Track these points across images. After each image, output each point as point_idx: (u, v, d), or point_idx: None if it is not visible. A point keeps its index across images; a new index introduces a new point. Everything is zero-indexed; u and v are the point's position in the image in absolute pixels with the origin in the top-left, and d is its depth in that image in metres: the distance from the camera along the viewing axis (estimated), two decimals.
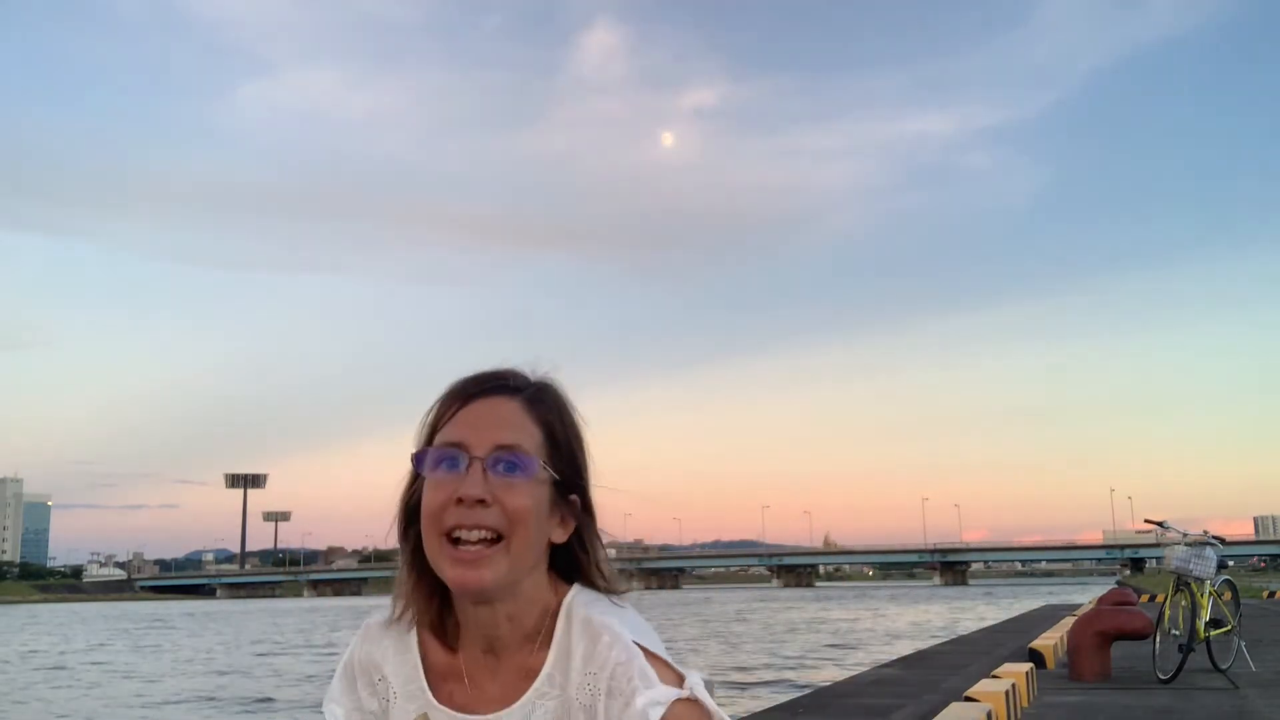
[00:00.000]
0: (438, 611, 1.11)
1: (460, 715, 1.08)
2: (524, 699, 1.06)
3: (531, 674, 1.07)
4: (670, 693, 1.00)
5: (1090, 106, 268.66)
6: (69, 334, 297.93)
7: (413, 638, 1.12)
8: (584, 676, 1.04)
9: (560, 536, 1.09)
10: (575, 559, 1.11)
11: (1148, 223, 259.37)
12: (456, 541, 1.02)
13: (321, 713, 1.17)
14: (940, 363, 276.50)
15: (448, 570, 1.03)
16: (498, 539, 1.03)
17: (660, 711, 0.99)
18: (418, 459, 1.07)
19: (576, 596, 1.09)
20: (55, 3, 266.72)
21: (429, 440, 1.08)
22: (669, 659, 1.05)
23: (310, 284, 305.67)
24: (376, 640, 1.14)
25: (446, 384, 1.10)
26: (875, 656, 20.08)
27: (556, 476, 1.07)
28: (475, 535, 1.02)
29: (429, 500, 1.04)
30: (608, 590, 1.11)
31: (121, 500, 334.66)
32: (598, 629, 1.05)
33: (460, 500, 1.02)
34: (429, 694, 1.10)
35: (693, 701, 1.01)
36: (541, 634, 1.08)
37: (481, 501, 1.02)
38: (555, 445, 1.08)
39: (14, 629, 52.24)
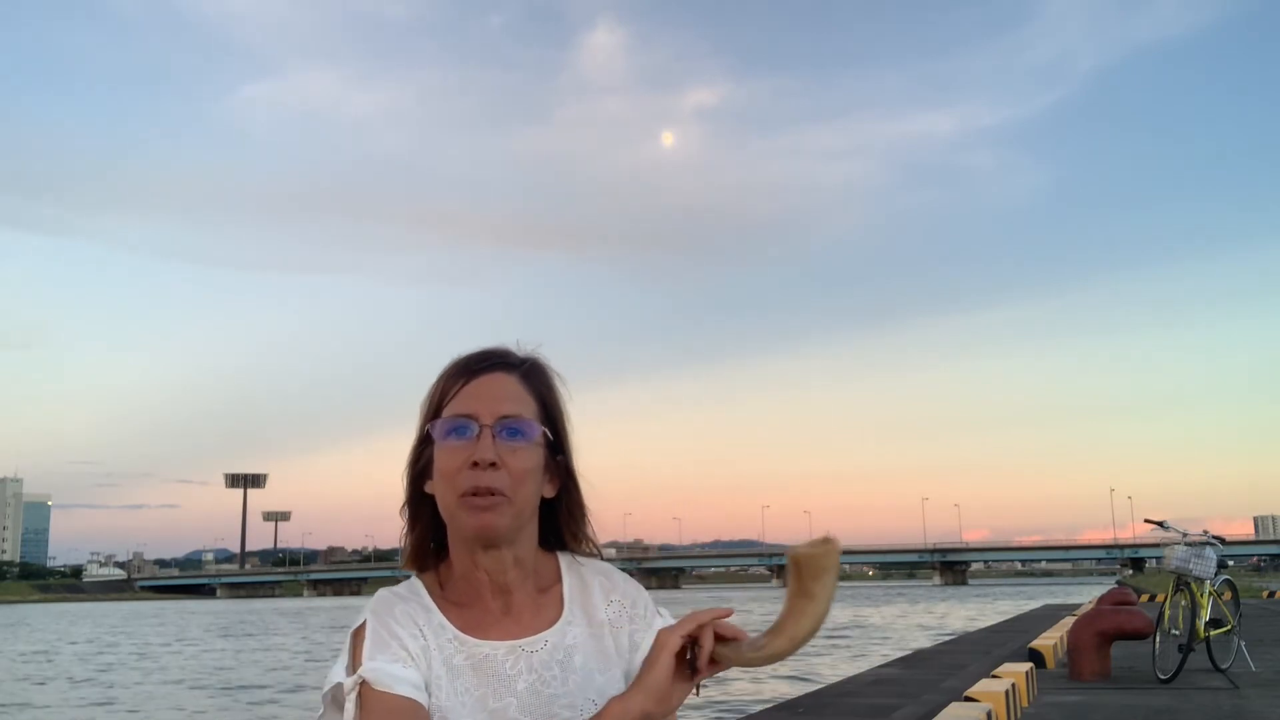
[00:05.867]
0: (434, 566, 1.27)
1: (503, 642, 1.21)
2: (556, 625, 1.23)
3: (546, 609, 1.24)
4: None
5: (1092, 106, 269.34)
6: (69, 334, 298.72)
7: (426, 597, 1.23)
8: (609, 604, 1.26)
9: (550, 492, 1.26)
10: (557, 519, 1.29)
11: (1148, 222, 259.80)
12: (473, 498, 1.18)
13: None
14: (940, 363, 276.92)
15: (465, 519, 1.18)
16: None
17: None
18: (431, 428, 1.22)
19: (568, 556, 1.31)
20: (55, 2, 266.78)
21: (436, 412, 1.23)
22: None
23: (310, 284, 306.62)
24: (393, 606, 1.21)
25: (447, 361, 1.27)
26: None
27: (551, 438, 1.24)
28: (490, 500, 1.17)
29: (445, 463, 1.19)
30: (588, 553, 1.32)
31: (121, 500, 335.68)
32: (606, 569, 1.30)
33: (475, 464, 1.17)
34: (464, 636, 1.21)
35: None
36: (546, 578, 1.27)
37: (493, 464, 1.17)
38: (547, 413, 1.26)
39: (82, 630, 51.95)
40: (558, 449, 1.26)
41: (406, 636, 1.18)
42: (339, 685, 1.15)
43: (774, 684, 15.74)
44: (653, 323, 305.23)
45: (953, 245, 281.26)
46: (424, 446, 1.25)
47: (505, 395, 1.22)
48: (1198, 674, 9.14)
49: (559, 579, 1.28)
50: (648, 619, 1.26)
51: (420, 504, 1.26)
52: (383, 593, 1.24)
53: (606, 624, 1.25)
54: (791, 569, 1.08)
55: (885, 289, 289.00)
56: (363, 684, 1.13)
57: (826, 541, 1.07)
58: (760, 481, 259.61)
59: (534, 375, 1.27)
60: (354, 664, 1.16)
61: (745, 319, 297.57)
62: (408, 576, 1.28)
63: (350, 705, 1.12)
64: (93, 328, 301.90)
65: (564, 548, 1.31)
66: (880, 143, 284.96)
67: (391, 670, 1.14)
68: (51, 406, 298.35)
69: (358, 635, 1.18)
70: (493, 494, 1.17)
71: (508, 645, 1.20)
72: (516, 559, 1.22)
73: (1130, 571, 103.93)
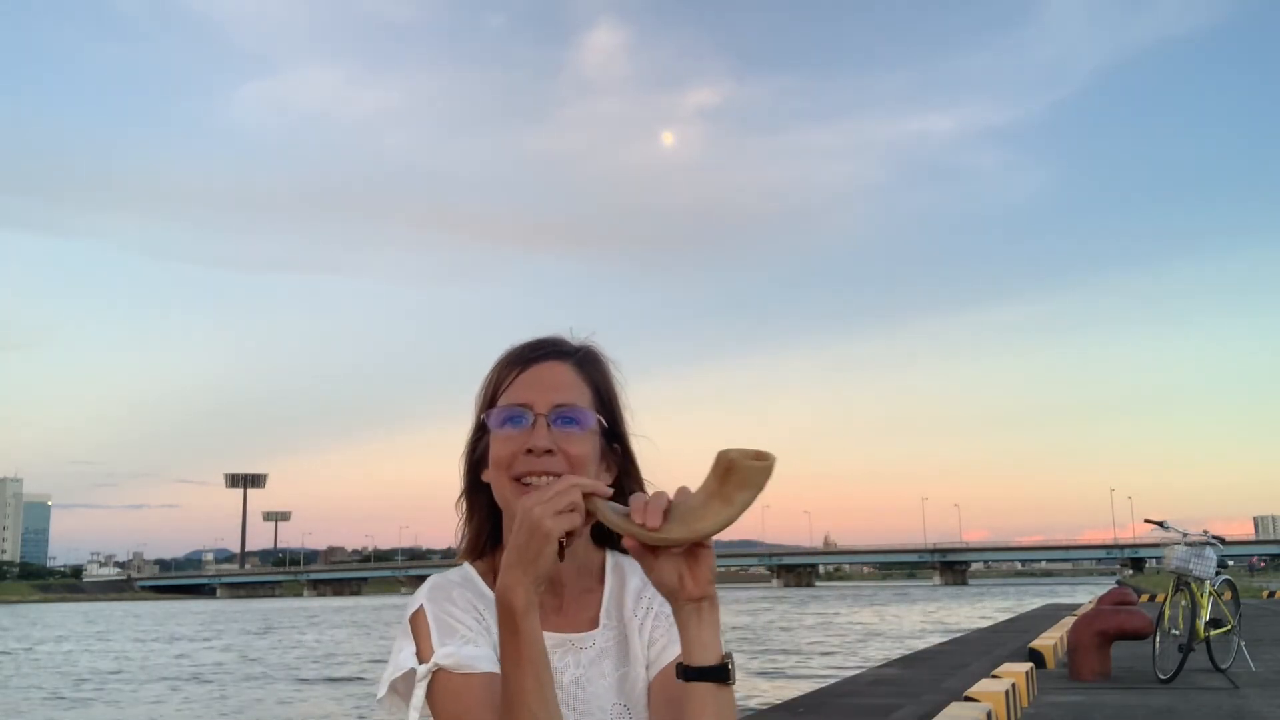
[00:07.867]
0: (489, 557, 1.27)
1: (553, 634, 1.20)
2: (600, 628, 1.23)
3: (590, 608, 1.25)
4: None
5: (1093, 106, 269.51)
6: (69, 334, 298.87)
7: (480, 583, 1.24)
8: (639, 600, 1.26)
9: (607, 479, 1.25)
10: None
11: (1148, 222, 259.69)
12: (526, 486, 1.18)
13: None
14: (940, 363, 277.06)
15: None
16: None
17: None
18: (487, 418, 1.23)
19: (615, 555, 1.29)
20: (55, 2, 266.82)
21: (492, 402, 1.24)
22: None
23: (310, 284, 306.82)
24: (450, 591, 1.21)
25: (502, 351, 1.28)
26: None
27: (606, 425, 1.24)
28: (543, 480, 1.17)
29: (500, 452, 1.20)
30: None
31: (121, 500, 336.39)
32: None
33: (530, 451, 1.18)
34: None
35: None
36: (592, 576, 1.27)
37: (548, 451, 1.18)
38: (601, 400, 1.26)
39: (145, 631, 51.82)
40: (614, 437, 1.26)
41: (469, 619, 1.18)
42: (411, 672, 1.14)
43: (775, 684, 15.74)
44: (652, 322, 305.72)
45: (953, 245, 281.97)
46: (480, 436, 1.26)
47: (559, 383, 1.22)
48: (1198, 674, 9.15)
49: (603, 579, 1.27)
50: (667, 613, 1.22)
51: (476, 494, 1.27)
52: (436, 578, 1.23)
53: (635, 623, 1.25)
54: (719, 469, 1.02)
55: (885, 289, 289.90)
56: (440, 671, 1.12)
57: (764, 457, 1.01)
58: None
59: (588, 363, 1.27)
60: (422, 651, 1.15)
61: (745, 318, 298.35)
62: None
63: (420, 692, 1.12)
64: (93, 328, 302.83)
65: (616, 544, 1.29)
66: (880, 143, 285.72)
67: (467, 651, 1.14)
68: (51, 406, 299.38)
69: (417, 621, 1.17)
70: (549, 479, 1.16)
71: (558, 638, 1.21)
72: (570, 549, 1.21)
73: (1130, 571, 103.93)
